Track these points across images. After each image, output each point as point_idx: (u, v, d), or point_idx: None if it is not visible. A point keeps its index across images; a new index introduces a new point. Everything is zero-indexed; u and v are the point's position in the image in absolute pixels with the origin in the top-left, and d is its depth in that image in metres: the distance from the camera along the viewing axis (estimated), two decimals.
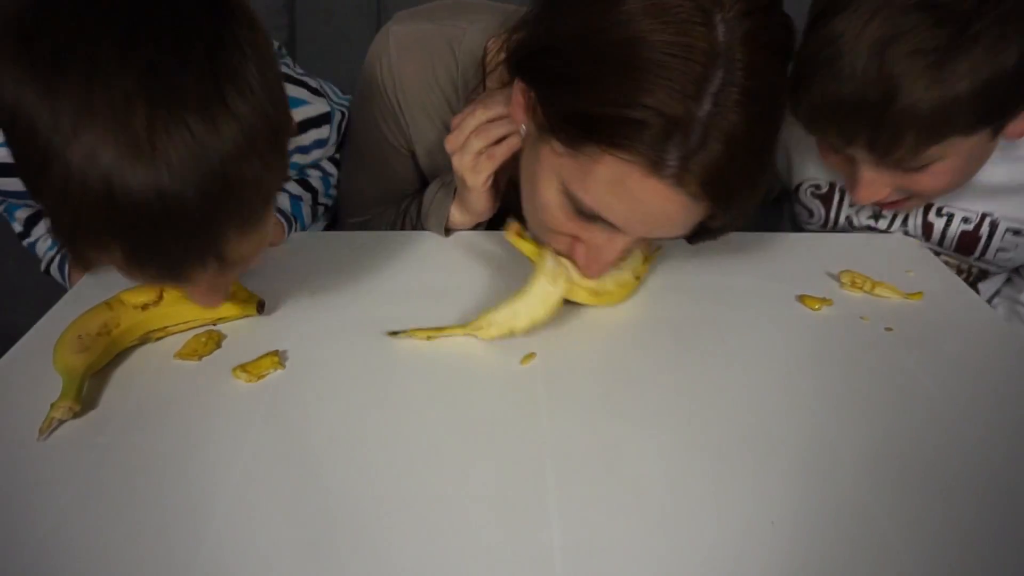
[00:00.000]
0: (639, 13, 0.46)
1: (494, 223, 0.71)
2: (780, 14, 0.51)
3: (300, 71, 0.78)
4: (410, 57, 0.70)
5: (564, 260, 0.59)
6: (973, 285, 0.78)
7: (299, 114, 0.72)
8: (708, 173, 0.48)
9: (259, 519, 0.42)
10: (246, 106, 0.41)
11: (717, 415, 0.50)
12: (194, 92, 0.40)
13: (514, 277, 0.66)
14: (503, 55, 0.57)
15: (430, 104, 0.71)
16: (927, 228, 0.75)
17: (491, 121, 0.61)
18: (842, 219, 0.79)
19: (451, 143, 0.63)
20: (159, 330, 0.56)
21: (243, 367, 0.53)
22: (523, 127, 0.57)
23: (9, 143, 0.42)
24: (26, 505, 0.42)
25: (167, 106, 0.39)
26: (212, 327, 0.58)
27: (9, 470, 0.45)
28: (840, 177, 0.76)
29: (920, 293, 0.64)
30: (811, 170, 0.79)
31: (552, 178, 0.53)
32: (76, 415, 0.48)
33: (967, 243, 0.74)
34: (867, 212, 0.77)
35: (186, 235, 0.42)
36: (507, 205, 0.67)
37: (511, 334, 0.56)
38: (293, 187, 0.79)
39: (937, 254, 0.76)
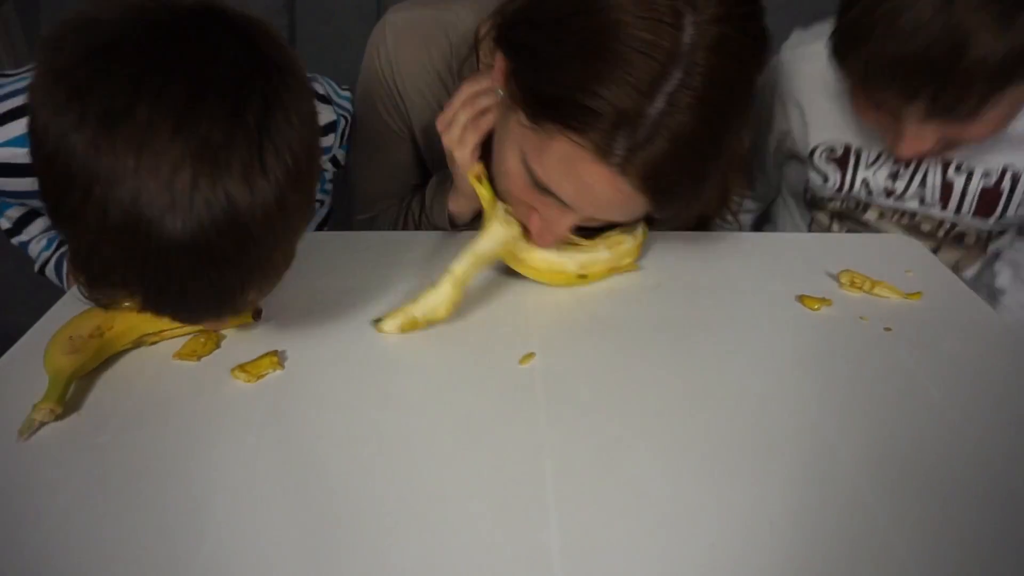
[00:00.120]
0: (625, 2, 0.47)
1: None
2: (756, 26, 0.51)
3: (309, 75, 0.78)
4: (406, 43, 0.71)
5: (512, 217, 0.61)
6: (985, 246, 0.78)
7: None
8: (650, 168, 0.50)
9: (259, 519, 0.42)
10: (282, 168, 0.43)
11: (716, 415, 0.50)
12: (238, 162, 0.42)
13: (513, 277, 0.66)
14: (494, 32, 0.58)
15: (426, 87, 0.72)
16: (946, 187, 0.74)
17: (477, 94, 0.62)
18: (858, 182, 0.77)
19: (441, 121, 0.64)
20: (154, 334, 0.56)
21: (242, 367, 0.53)
22: (500, 92, 0.58)
23: (43, 177, 0.44)
24: (26, 505, 0.42)
25: (211, 174, 0.41)
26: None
27: (9, 470, 0.45)
28: (861, 138, 0.76)
29: (919, 293, 0.64)
30: (826, 134, 0.78)
31: (515, 148, 0.56)
32: (58, 417, 0.48)
33: (988, 201, 0.73)
34: (884, 173, 0.76)
35: (208, 288, 0.45)
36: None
37: (470, 280, 0.59)
38: None
39: (952, 229, 0.77)
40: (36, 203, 0.70)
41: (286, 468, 0.46)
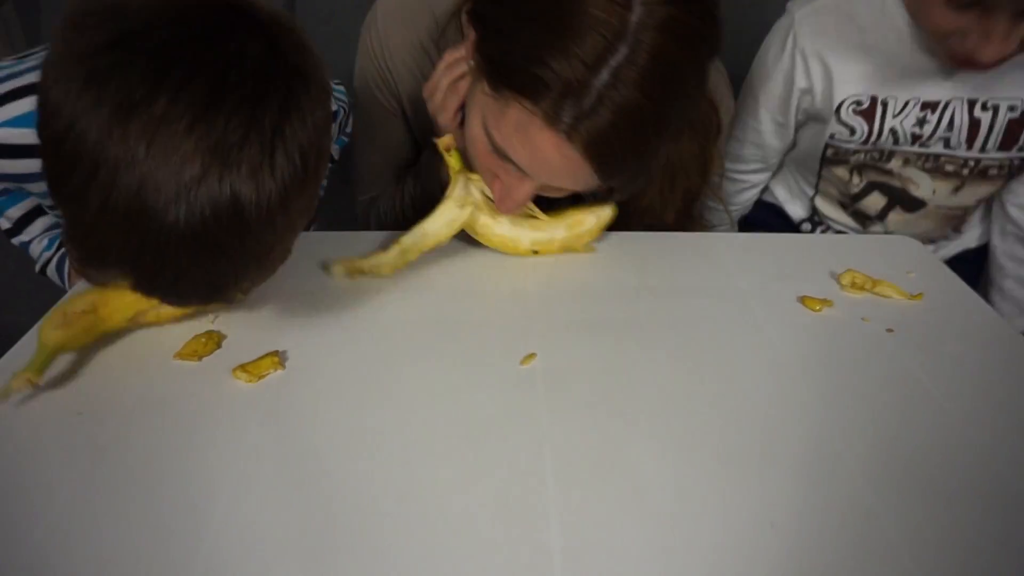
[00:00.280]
0: None
1: None
2: (707, 10, 0.53)
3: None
4: (394, 22, 0.75)
5: (473, 189, 0.65)
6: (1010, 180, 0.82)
7: None
8: (594, 137, 0.52)
9: (259, 519, 0.42)
10: (290, 170, 0.44)
11: (717, 416, 0.50)
12: (248, 162, 0.42)
13: (512, 277, 0.66)
14: (468, 5, 0.60)
15: (413, 61, 0.75)
16: (973, 126, 0.76)
17: (457, 61, 0.65)
18: (886, 131, 0.79)
19: (427, 88, 0.68)
20: (150, 310, 0.56)
21: (243, 367, 0.53)
22: (471, 63, 0.60)
23: (49, 154, 0.44)
24: (25, 505, 0.42)
25: (220, 171, 0.41)
26: (212, 328, 0.58)
27: (8, 470, 0.45)
28: (887, 88, 0.77)
29: (921, 294, 0.64)
30: (851, 87, 0.79)
31: (479, 114, 0.59)
32: (35, 387, 0.49)
33: (1013, 133, 0.76)
34: (912, 120, 0.78)
35: (202, 278, 0.45)
36: None
37: (419, 253, 0.64)
38: None
39: (975, 166, 0.79)
40: (33, 186, 0.70)
41: (286, 468, 0.46)
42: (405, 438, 0.48)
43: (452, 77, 0.65)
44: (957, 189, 0.82)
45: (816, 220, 0.98)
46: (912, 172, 0.82)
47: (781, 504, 0.43)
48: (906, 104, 0.78)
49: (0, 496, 0.43)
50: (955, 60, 0.72)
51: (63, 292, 0.65)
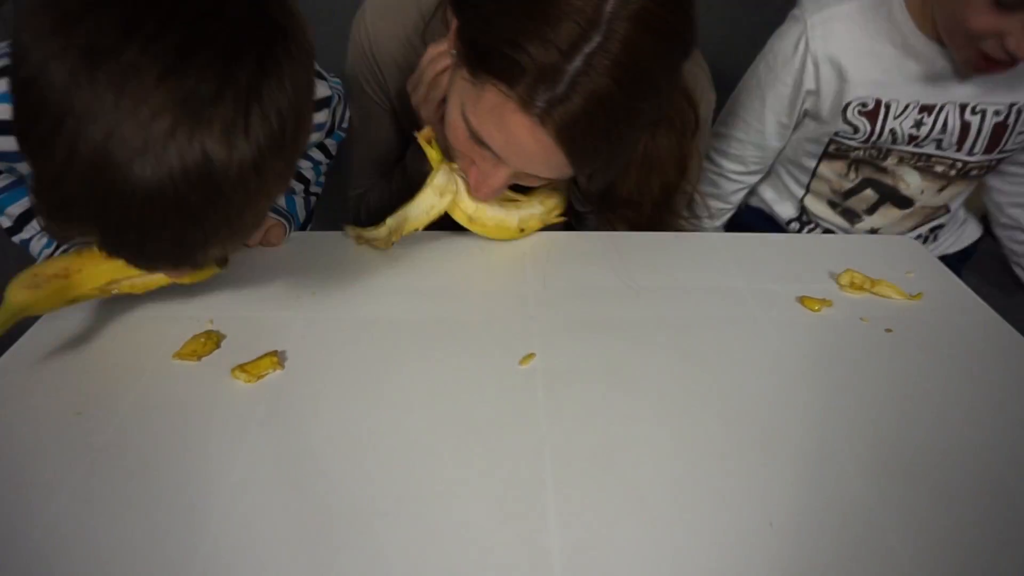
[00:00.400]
0: None
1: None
2: (680, 5, 0.54)
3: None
4: (381, 16, 0.76)
5: (456, 177, 0.67)
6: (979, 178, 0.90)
7: None
8: (566, 122, 0.54)
9: (258, 519, 0.42)
10: (266, 132, 0.42)
11: (716, 416, 0.50)
12: (221, 120, 0.40)
13: (511, 277, 0.66)
14: None
15: (400, 55, 0.76)
16: (964, 128, 0.84)
17: (440, 55, 0.66)
18: (886, 131, 0.85)
19: (411, 81, 0.70)
20: (124, 280, 0.54)
21: (242, 367, 0.53)
22: (453, 52, 0.61)
23: (17, 101, 0.42)
24: (25, 505, 0.42)
25: (191, 127, 0.39)
26: (211, 328, 0.58)
27: (8, 470, 0.45)
28: (891, 92, 0.83)
29: (920, 294, 0.64)
30: (861, 90, 0.84)
31: (457, 100, 0.60)
32: None
33: (998, 135, 0.84)
34: (910, 122, 0.84)
35: (169, 239, 0.43)
36: None
37: (399, 237, 0.67)
38: None
39: (964, 166, 0.86)
40: (22, 166, 0.69)
41: (285, 468, 0.46)
42: (404, 438, 0.48)
43: (435, 71, 0.66)
44: (941, 189, 0.89)
45: (804, 220, 1.02)
46: (904, 170, 0.89)
47: (780, 503, 0.43)
48: (906, 107, 0.83)
49: (0, 496, 0.43)
50: (979, 63, 0.76)
51: None
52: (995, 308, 0.64)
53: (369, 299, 0.63)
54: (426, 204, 0.67)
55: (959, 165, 0.87)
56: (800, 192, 0.99)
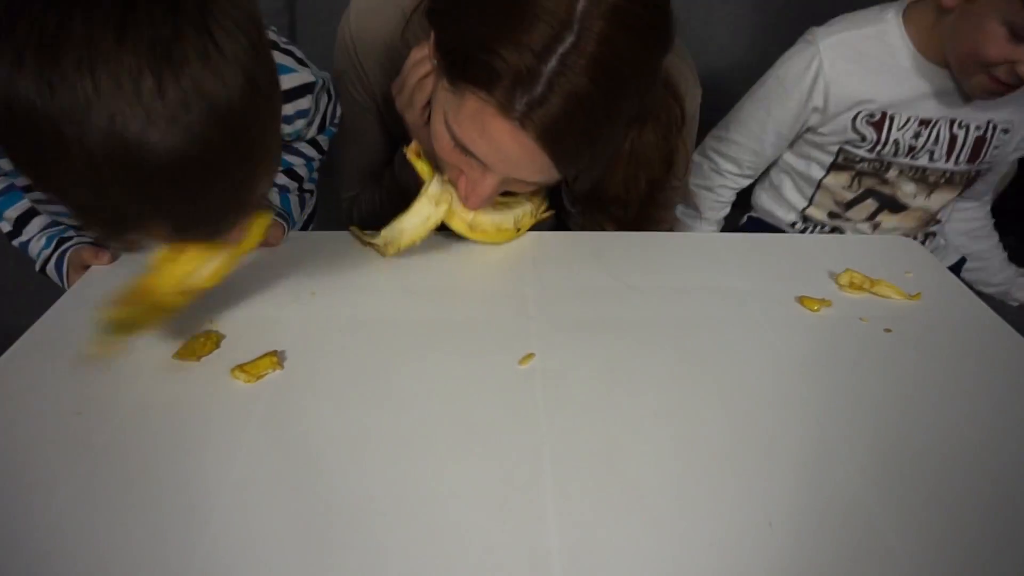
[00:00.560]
0: None
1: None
2: (657, 2, 0.55)
3: (285, 40, 0.78)
4: (364, 20, 0.76)
5: (450, 187, 0.67)
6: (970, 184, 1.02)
7: (286, 81, 0.73)
8: (547, 123, 0.54)
9: (257, 519, 0.42)
10: (238, 46, 0.42)
11: (716, 416, 0.50)
12: (193, 50, 0.40)
13: (511, 277, 0.66)
14: (426, 3, 0.62)
15: (386, 59, 0.76)
16: (952, 141, 0.95)
17: (423, 59, 0.65)
18: (890, 141, 0.95)
19: (395, 86, 0.70)
20: (193, 272, 0.55)
21: (242, 367, 0.53)
22: (433, 60, 0.62)
23: (7, 138, 0.41)
24: (25, 505, 0.42)
25: (172, 70, 0.39)
26: (211, 328, 0.58)
27: (8, 470, 0.45)
28: (894, 106, 0.93)
29: (919, 294, 0.64)
30: (868, 104, 0.94)
31: (440, 110, 0.61)
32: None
33: (978, 147, 0.96)
34: (910, 134, 0.94)
35: (222, 186, 0.44)
36: None
37: (397, 250, 0.66)
38: (280, 177, 0.79)
39: (951, 175, 0.97)
40: (21, 180, 0.69)
41: (285, 468, 0.46)
42: (403, 438, 0.48)
43: (419, 75, 0.66)
44: (929, 194, 1.01)
45: (804, 225, 1.10)
46: (903, 181, 0.99)
47: (779, 503, 0.43)
48: (907, 120, 0.94)
49: (0, 496, 0.43)
50: (989, 86, 0.86)
51: (62, 292, 0.64)
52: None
53: (369, 299, 0.63)
54: (422, 215, 0.66)
55: (947, 174, 0.99)
56: (802, 204, 1.07)
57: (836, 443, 0.48)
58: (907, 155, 0.96)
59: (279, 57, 0.72)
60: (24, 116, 0.39)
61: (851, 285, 0.65)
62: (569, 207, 0.78)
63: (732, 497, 0.44)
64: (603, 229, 0.76)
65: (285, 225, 0.74)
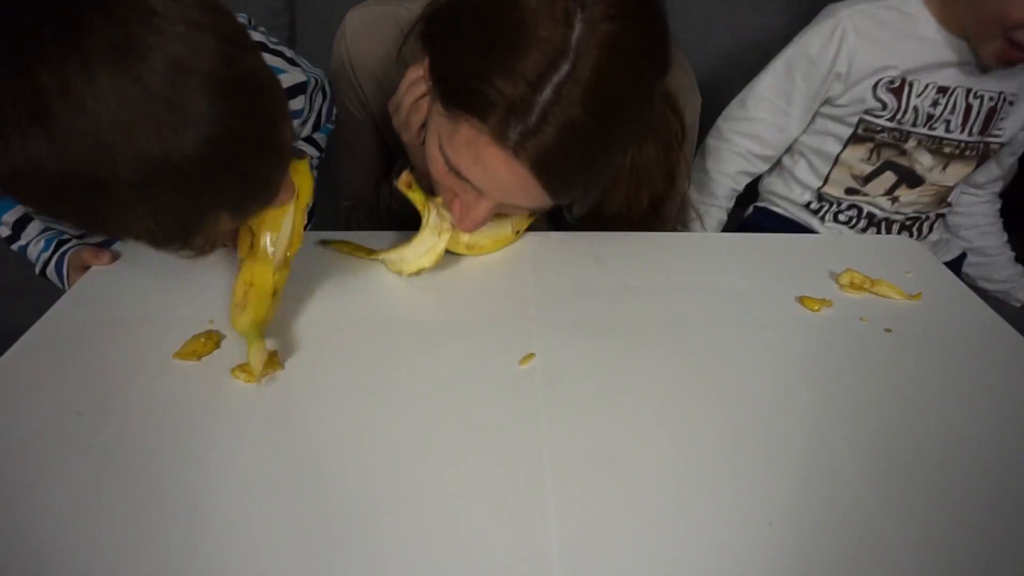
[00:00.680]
0: (533, 1, 0.50)
1: None
2: (653, 28, 0.54)
3: (275, 40, 0.78)
4: (362, 38, 0.76)
5: (447, 214, 0.65)
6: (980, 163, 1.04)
7: None
8: (541, 153, 0.53)
9: (258, 519, 0.42)
10: (190, 9, 0.42)
11: (716, 416, 0.50)
12: (148, 34, 0.40)
13: (511, 277, 0.66)
14: (420, 27, 0.61)
15: (382, 76, 0.76)
16: (967, 109, 0.98)
17: (419, 79, 0.65)
18: (910, 108, 0.97)
19: (391, 104, 0.69)
20: (285, 246, 0.57)
21: (242, 367, 0.53)
22: (428, 83, 0.61)
23: (51, 206, 0.43)
24: (25, 505, 0.42)
25: (143, 61, 0.39)
26: (211, 328, 0.58)
27: (8, 469, 0.45)
28: (913, 73, 0.96)
29: (920, 294, 0.64)
30: (889, 71, 0.96)
31: (435, 135, 0.60)
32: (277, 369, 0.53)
33: (989, 116, 0.99)
34: (928, 101, 0.97)
35: (252, 140, 0.45)
36: None
37: (400, 273, 0.65)
38: None
39: (965, 146, 1.00)
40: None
41: (286, 468, 0.46)
42: (404, 438, 0.48)
43: (414, 96, 0.66)
44: (944, 167, 1.02)
45: (822, 202, 1.10)
46: (920, 152, 1.01)
47: (780, 503, 0.43)
48: (926, 87, 0.97)
49: (0, 496, 0.43)
50: (1007, 53, 0.89)
51: (62, 293, 0.64)
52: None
53: (369, 299, 0.63)
54: (426, 246, 0.65)
55: (961, 146, 1.01)
56: (817, 183, 1.07)
57: (836, 443, 0.48)
58: (925, 124, 0.98)
59: (269, 59, 0.71)
60: (50, 177, 0.40)
61: (851, 285, 0.65)
62: (571, 222, 0.78)
63: (732, 497, 0.44)
64: None
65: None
